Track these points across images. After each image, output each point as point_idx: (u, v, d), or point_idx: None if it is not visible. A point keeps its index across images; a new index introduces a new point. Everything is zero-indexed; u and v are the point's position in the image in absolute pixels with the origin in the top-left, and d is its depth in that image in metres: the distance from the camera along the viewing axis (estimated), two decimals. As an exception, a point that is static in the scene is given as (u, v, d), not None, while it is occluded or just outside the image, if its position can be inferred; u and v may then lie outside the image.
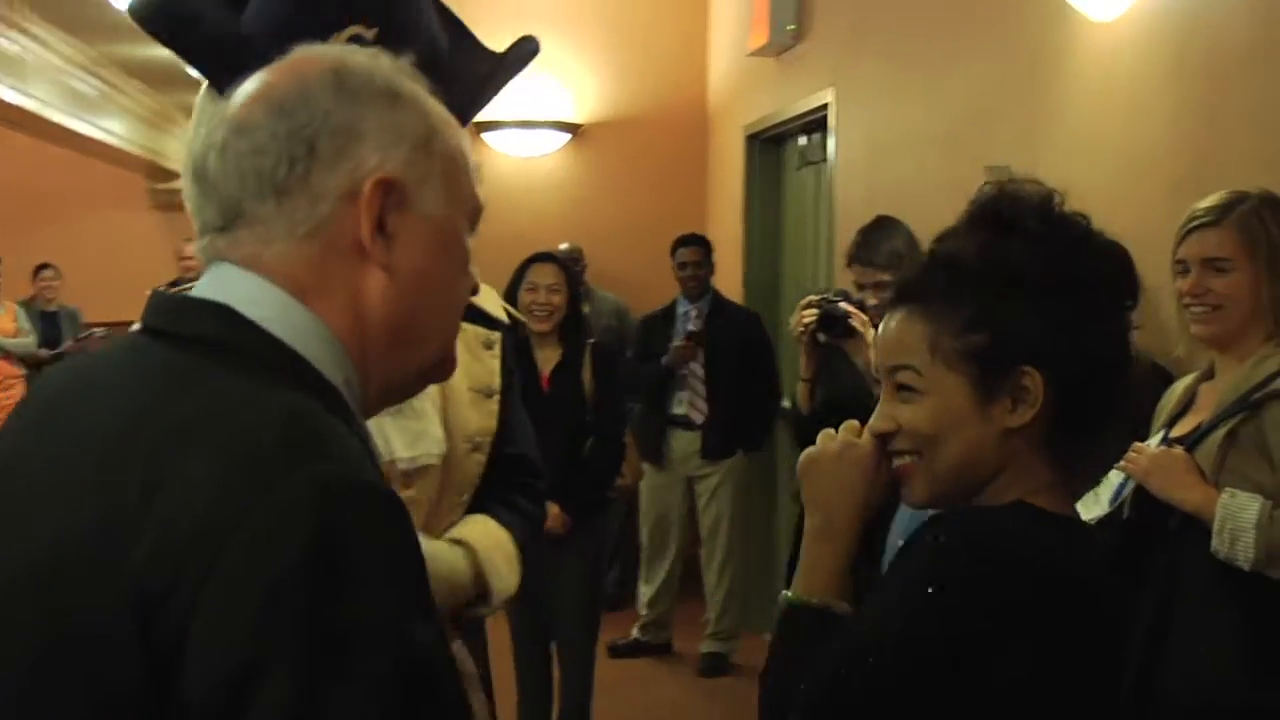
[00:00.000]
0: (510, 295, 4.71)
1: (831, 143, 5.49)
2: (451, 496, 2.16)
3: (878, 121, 5.07)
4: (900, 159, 4.80)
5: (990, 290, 1.42)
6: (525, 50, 2.16)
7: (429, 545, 1.92)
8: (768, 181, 6.67)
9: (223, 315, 1.14)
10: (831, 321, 3.66)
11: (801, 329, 3.74)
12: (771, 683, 1.50)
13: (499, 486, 2.20)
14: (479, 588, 2.06)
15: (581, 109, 7.42)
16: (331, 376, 1.16)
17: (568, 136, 7.37)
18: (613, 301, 6.83)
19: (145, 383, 1.13)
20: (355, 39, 1.71)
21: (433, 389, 2.06)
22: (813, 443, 3.52)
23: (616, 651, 6.10)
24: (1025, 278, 1.41)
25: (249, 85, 1.19)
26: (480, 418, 2.22)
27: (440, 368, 1.30)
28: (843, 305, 3.66)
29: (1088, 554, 1.46)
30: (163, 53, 1.92)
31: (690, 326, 5.97)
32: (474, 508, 2.17)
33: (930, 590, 1.33)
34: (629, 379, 5.22)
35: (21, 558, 1.08)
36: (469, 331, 2.15)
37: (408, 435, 2.09)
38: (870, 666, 1.34)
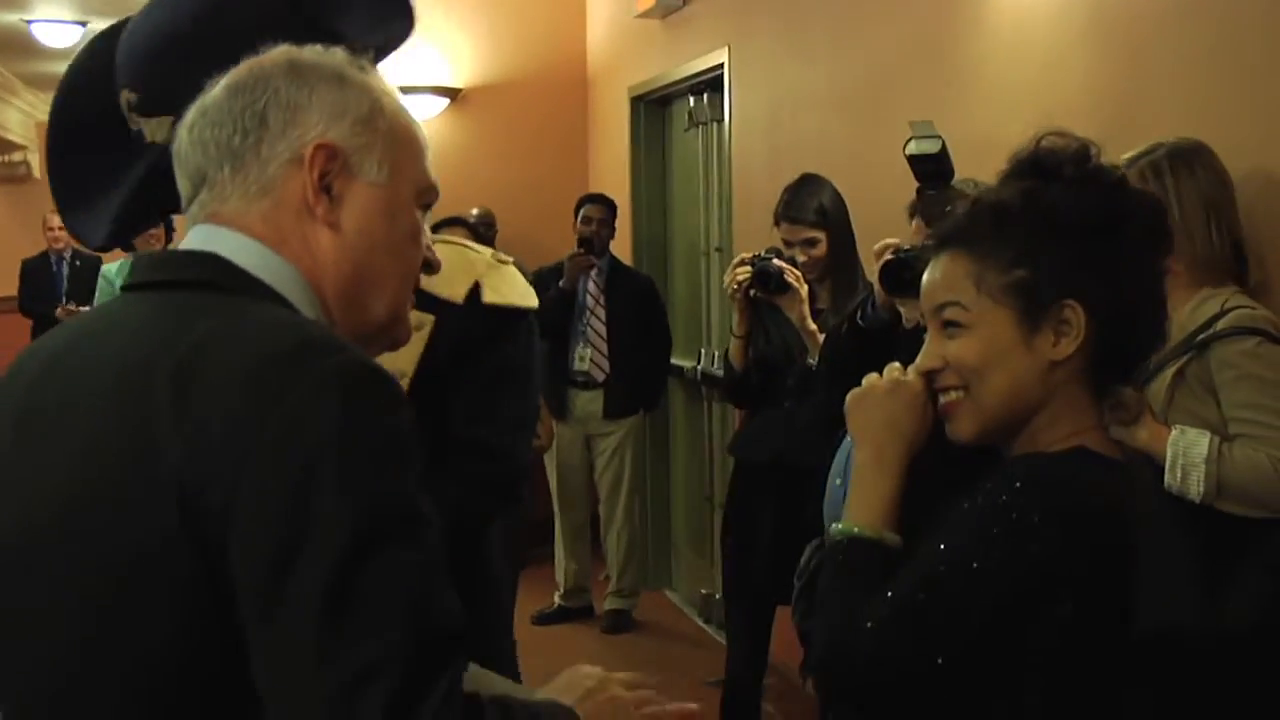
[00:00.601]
0: None
1: (726, 104, 5.56)
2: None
3: (777, 82, 5.14)
4: (803, 119, 4.88)
5: (1033, 231, 1.51)
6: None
7: None
8: (653, 143, 6.73)
9: (213, 261, 1.28)
10: (765, 278, 3.74)
11: (735, 286, 3.81)
12: (822, 615, 1.53)
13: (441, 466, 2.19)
14: None
15: (460, 73, 7.38)
16: (308, 315, 1.30)
17: (447, 101, 7.33)
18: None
19: (156, 320, 1.24)
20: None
21: None
22: (746, 399, 3.67)
23: (542, 620, 6.14)
24: (1063, 219, 1.51)
25: (222, 78, 1.35)
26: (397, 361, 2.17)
27: (390, 330, 1.41)
28: (776, 262, 3.75)
29: (1145, 498, 1.60)
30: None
31: (590, 287, 6.02)
32: None
33: (1025, 520, 1.42)
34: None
35: (51, 493, 1.19)
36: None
37: None
38: (956, 592, 1.42)
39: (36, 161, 11.23)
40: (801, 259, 3.81)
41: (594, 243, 5.97)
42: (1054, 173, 1.54)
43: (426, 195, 1.40)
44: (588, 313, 6.00)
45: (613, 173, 6.98)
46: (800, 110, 4.90)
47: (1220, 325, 2.49)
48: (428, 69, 7.22)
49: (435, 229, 4.60)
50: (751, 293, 3.81)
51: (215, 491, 1.09)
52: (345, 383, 1.13)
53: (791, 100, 4.99)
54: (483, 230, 5.66)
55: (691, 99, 6.12)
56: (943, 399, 1.56)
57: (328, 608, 1.07)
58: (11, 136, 11.03)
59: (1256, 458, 2.37)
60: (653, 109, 6.71)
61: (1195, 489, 2.38)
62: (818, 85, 4.79)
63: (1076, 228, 1.50)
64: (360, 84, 1.34)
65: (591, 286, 6.03)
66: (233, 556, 1.09)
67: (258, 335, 1.17)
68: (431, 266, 1.45)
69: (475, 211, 6.61)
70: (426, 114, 7.27)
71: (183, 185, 1.35)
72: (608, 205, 6.14)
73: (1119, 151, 2.64)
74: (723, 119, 5.66)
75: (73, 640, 1.17)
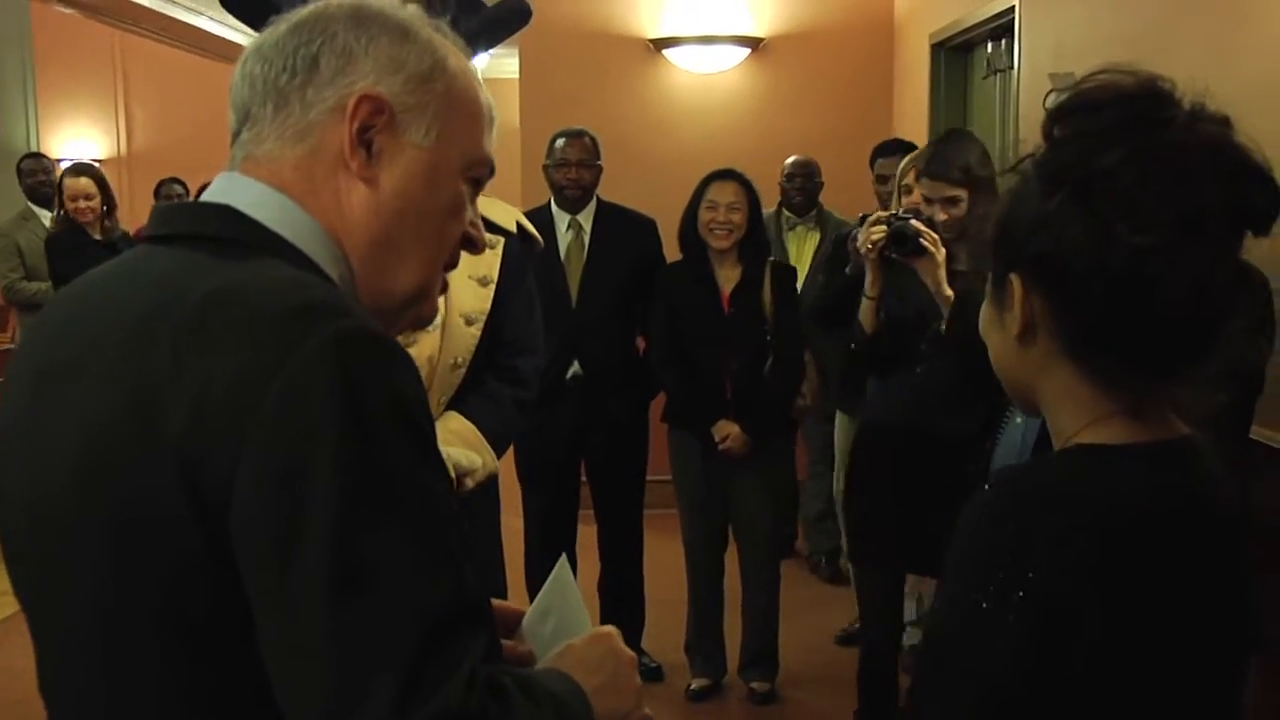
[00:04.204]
0: (690, 214, 4.85)
1: (1016, 50, 5.48)
2: (448, 358, 2.76)
3: (1064, 26, 5.06)
4: (1087, 65, 4.74)
5: (1018, 191, 1.37)
6: (512, 7, 2.51)
7: None
8: (954, 92, 6.66)
9: (227, 215, 1.27)
10: (902, 239, 3.74)
11: (870, 245, 3.82)
12: None
13: (484, 370, 2.85)
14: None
15: (762, 22, 7.46)
16: (330, 273, 1.28)
17: (747, 51, 7.40)
18: (838, 222, 6.36)
19: (163, 277, 1.22)
20: None
21: None
22: (875, 363, 3.76)
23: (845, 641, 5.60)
24: (1038, 180, 1.33)
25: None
26: (475, 300, 2.83)
27: (417, 303, 1.37)
28: (913, 223, 3.73)
29: (1169, 487, 1.32)
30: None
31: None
32: (460, 392, 2.81)
33: (1000, 597, 1.25)
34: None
35: (65, 454, 1.18)
36: None
37: None
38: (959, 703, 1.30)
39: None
40: (941, 218, 3.77)
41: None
42: (1056, 124, 1.36)
43: (476, 169, 1.37)
44: None
45: (914, 123, 6.95)
46: (1082, 57, 4.78)
47: None
48: (729, 18, 7.34)
49: (707, 181, 4.82)
50: (887, 253, 3.80)
51: (215, 467, 1.08)
52: (346, 351, 1.11)
53: (1075, 46, 4.91)
54: (800, 180, 5.80)
55: (990, 45, 6.05)
56: None
57: (329, 597, 1.06)
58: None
59: None
60: (953, 56, 6.64)
61: None
62: (1102, 30, 4.71)
63: (1043, 188, 1.32)
64: (425, 41, 1.32)
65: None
66: (235, 539, 1.09)
67: (260, 296, 1.15)
68: (475, 245, 1.42)
69: (792, 159, 6.37)
70: (726, 64, 7.34)
71: (231, 123, 1.34)
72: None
73: None
74: (1013, 66, 5.58)
75: (92, 609, 1.19)
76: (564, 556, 1.59)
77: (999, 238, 1.36)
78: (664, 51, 7.38)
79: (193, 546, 1.10)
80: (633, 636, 5.04)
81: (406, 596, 1.07)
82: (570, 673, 1.29)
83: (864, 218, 3.91)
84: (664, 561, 5.51)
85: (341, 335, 1.11)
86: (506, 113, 6.90)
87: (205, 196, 1.32)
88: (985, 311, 1.42)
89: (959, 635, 1.28)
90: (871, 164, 5.75)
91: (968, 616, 1.26)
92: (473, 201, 1.38)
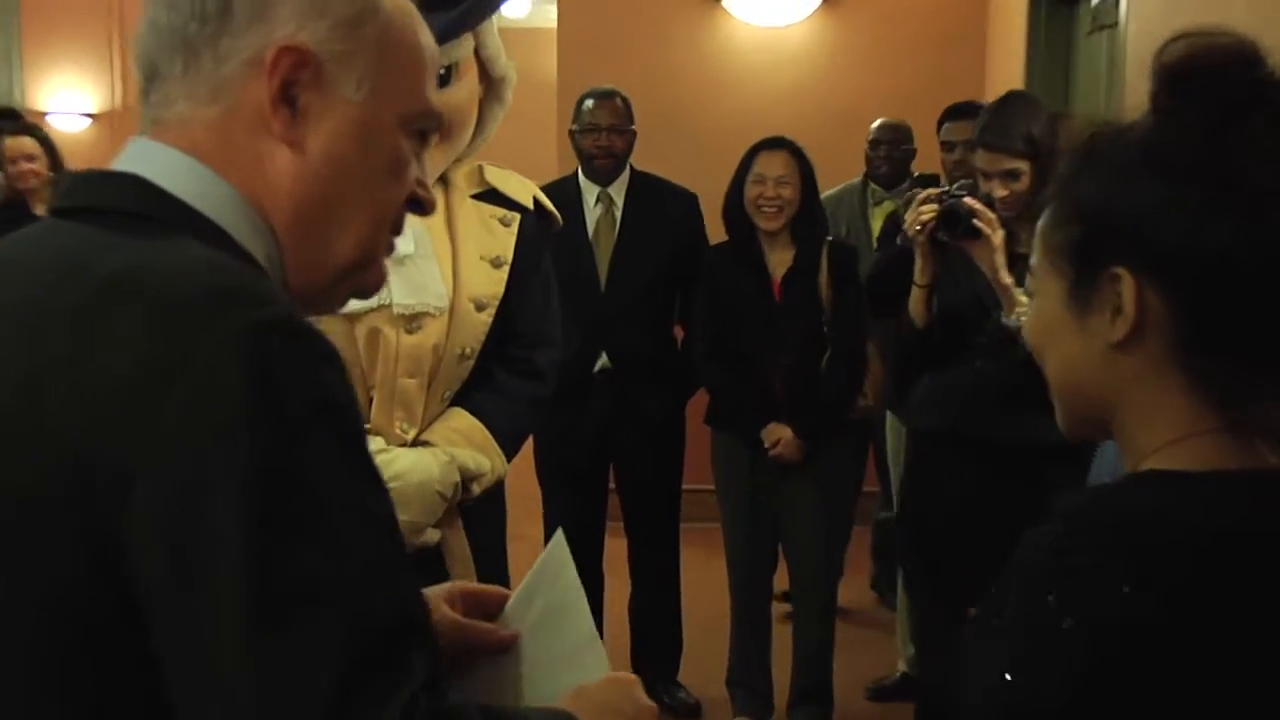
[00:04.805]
0: (736, 189, 4.52)
1: (1123, 2, 4.97)
2: (455, 348, 2.64)
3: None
4: (1203, 17, 4.27)
5: (1102, 172, 1.29)
6: None
7: (400, 463, 2.51)
8: (1054, 49, 6.13)
9: (136, 186, 1.21)
10: (954, 219, 3.51)
11: (919, 227, 3.56)
12: None
13: (494, 362, 2.72)
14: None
15: (838, -33, 7.04)
16: (253, 250, 1.22)
17: (819, 1, 7.01)
18: None
19: (64, 253, 1.17)
20: None
21: (442, 252, 2.62)
22: (928, 359, 3.49)
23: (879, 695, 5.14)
24: (1136, 158, 1.27)
25: None
26: (487, 283, 2.68)
27: (358, 275, 1.32)
28: (967, 201, 3.49)
29: (1262, 517, 1.24)
30: None
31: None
32: (467, 386, 2.69)
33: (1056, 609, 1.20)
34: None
35: None
36: (484, 209, 2.72)
37: (409, 285, 2.55)
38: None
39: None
40: (1001, 193, 3.54)
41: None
42: (1155, 98, 1.29)
43: (419, 121, 1.31)
44: None
45: (1009, 85, 6.31)
46: (1200, 10, 4.26)
47: None
48: (801, -38, 6.93)
49: (754, 151, 4.42)
50: (938, 235, 3.56)
51: (110, 472, 1.03)
52: (262, 344, 1.05)
53: (1193, 1, 4.37)
54: (886, 148, 5.37)
55: (1095, -3, 5.53)
56: None
57: (243, 627, 1.01)
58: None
59: None
60: (1054, 8, 6.12)
61: None
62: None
63: (1148, 169, 1.25)
64: None
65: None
66: (131, 554, 1.04)
67: (165, 280, 1.09)
68: (424, 206, 1.36)
69: (880, 122, 5.92)
70: (794, 16, 6.98)
71: (139, 80, 1.28)
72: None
73: None
74: (1118, 21, 5.06)
75: None
76: (560, 532, 1.57)
77: (1093, 230, 1.28)
78: (723, 1, 7.05)
79: (83, 555, 1.05)
80: (668, 667, 4.98)
81: (333, 621, 1.03)
82: (577, 715, 1.27)
83: (914, 184, 3.58)
84: (704, 582, 5.30)
85: (257, 326, 1.06)
86: (543, 67, 6.63)
87: (115, 164, 1.26)
88: (1051, 315, 1.34)
89: (1024, 663, 1.22)
90: (938, 129, 5.35)
91: (1038, 641, 1.21)
92: (419, 157, 1.33)
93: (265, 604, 1.01)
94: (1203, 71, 1.25)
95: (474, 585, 1.62)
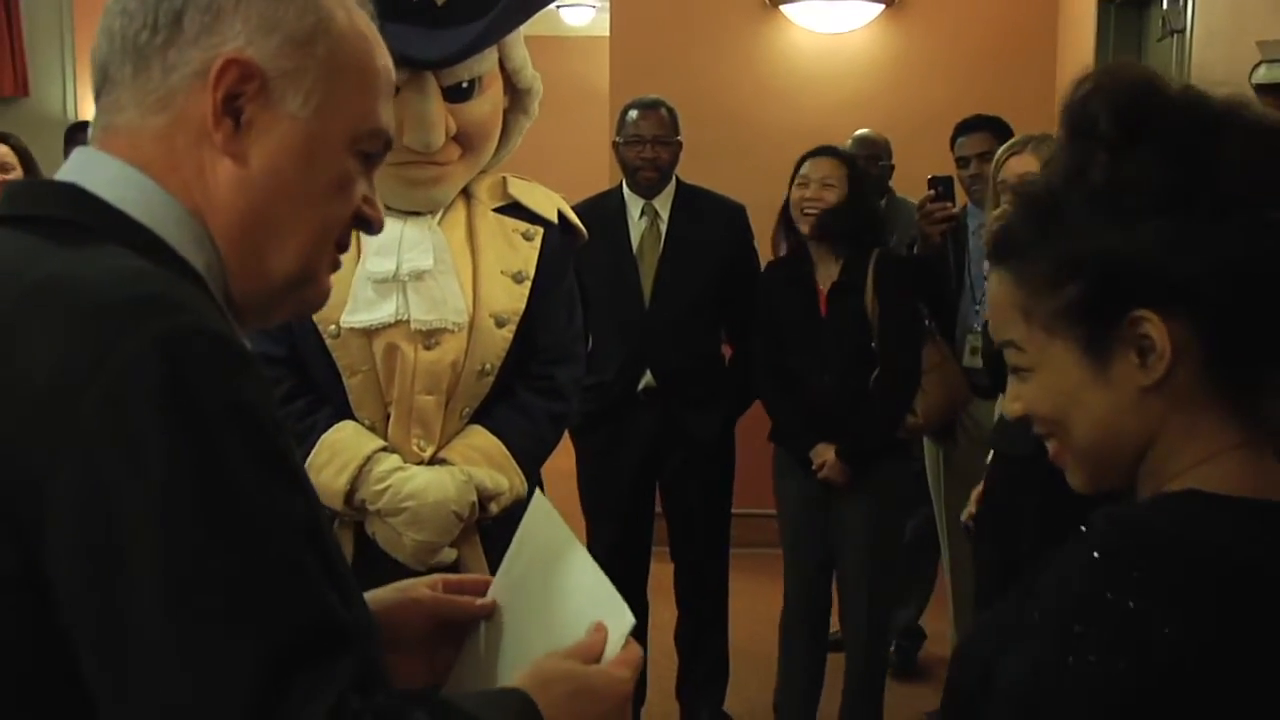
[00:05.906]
0: (788, 199, 4.43)
1: (1189, 8, 4.88)
2: (474, 364, 2.62)
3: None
4: (1271, 24, 4.14)
5: (1076, 221, 1.29)
6: None
7: (416, 482, 2.54)
8: (1124, 56, 5.92)
9: (73, 195, 1.24)
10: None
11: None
12: None
13: (515, 379, 2.71)
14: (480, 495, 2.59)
15: (901, -27, 6.89)
16: (192, 260, 1.24)
17: (881, 8, 6.84)
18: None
19: None
20: None
21: (463, 266, 2.61)
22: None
23: None
24: (1112, 200, 1.27)
25: None
26: (508, 299, 2.65)
27: (301, 290, 1.34)
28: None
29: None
30: None
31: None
32: (486, 403, 2.67)
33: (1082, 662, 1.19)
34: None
35: None
36: (507, 223, 2.71)
37: (427, 300, 2.55)
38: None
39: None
40: None
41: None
42: (1091, 131, 1.29)
43: (367, 141, 1.33)
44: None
45: (1078, 93, 6.29)
46: (1267, 17, 4.13)
47: None
48: (860, -31, 6.76)
49: (805, 158, 4.31)
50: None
51: (25, 476, 1.06)
52: (175, 352, 1.08)
53: (1256, 5, 4.26)
54: (862, 162, 4.87)
55: (1166, 1, 5.36)
56: (1050, 446, 1.41)
57: (156, 635, 1.04)
58: None
59: None
60: (1124, 13, 6.00)
61: None
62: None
63: (1131, 206, 1.26)
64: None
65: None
66: (50, 563, 1.06)
67: (87, 288, 1.11)
68: (371, 225, 1.37)
69: (861, 132, 5.77)
70: (855, 23, 6.83)
71: (94, 85, 1.31)
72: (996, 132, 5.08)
73: None
74: (1186, 27, 4.97)
75: None
76: (539, 491, 1.60)
77: (1099, 283, 1.27)
78: (782, 7, 6.84)
79: (11, 557, 1.07)
80: (714, 695, 4.83)
81: (249, 628, 1.05)
82: (529, 692, 1.27)
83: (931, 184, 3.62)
84: (752, 608, 5.21)
85: (171, 335, 1.09)
86: (595, 77, 6.54)
87: (59, 174, 1.29)
88: (1065, 381, 1.32)
89: (1057, 690, 1.20)
90: (951, 144, 5.12)
91: (1071, 669, 1.19)
92: (366, 177, 1.35)
93: (179, 603, 1.04)
94: (1152, 105, 1.28)
95: (456, 575, 1.65)
